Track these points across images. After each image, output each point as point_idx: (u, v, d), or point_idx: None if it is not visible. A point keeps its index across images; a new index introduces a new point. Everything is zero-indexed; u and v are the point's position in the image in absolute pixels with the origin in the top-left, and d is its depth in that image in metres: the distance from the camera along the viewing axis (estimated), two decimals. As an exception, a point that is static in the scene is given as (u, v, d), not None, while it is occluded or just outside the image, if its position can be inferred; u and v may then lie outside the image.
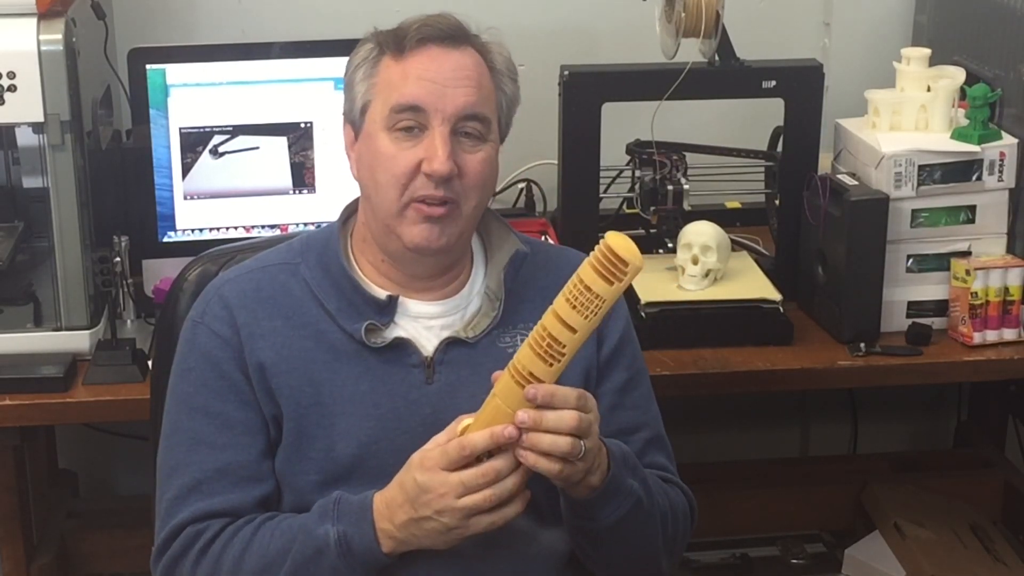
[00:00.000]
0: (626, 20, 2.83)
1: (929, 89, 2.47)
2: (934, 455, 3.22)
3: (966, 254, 2.45)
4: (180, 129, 2.48)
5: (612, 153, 2.55)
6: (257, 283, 1.76)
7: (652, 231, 2.57)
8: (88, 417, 2.44)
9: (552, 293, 1.55)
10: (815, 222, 2.45)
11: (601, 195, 2.55)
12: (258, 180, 2.53)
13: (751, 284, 2.46)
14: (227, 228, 2.53)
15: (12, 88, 2.20)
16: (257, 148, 2.51)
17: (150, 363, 2.14)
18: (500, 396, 1.56)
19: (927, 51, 2.50)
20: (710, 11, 2.40)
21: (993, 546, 2.83)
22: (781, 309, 2.41)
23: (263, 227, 2.55)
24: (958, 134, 2.43)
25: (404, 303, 1.75)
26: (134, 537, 2.64)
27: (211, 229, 2.53)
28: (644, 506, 1.69)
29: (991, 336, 2.41)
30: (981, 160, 2.42)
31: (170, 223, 2.51)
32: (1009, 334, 2.42)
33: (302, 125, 2.52)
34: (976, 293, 2.39)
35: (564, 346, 1.53)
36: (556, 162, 2.55)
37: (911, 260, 2.45)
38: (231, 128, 2.50)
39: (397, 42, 1.70)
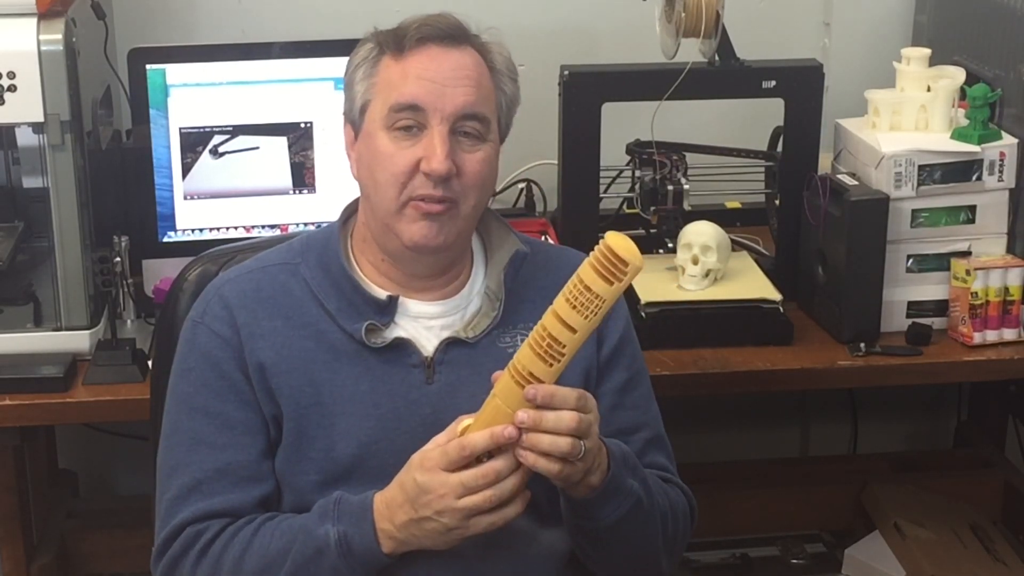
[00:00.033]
0: (626, 20, 2.83)
1: (929, 89, 2.47)
2: (934, 455, 3.23)
3: (966, 254, 2.45)
4: (180, 129, 2.48)
5: (612, 153, 2.55)
6: (257, 283, 1.76)
7: (652, 231, 2.57)
8: (88, 417, 2.45)
9: (552, 293, 1.55)
10: (815, 222, 2.45)
11: (601, 195, 2.55)
12: (258, 180, 2.53)
13: (751, 284, 2.46)
14: (227, 228, 2.53)
15: (12, 88, 2.20)
16: (257, 148, 2.51)
17: (150, 363, 2.14)
18: (500, 396, 1.56)
19: (927, 51, 2.50)
20: (710, 11, 2.40)
21: (993, 546, 2.83)
22: (781, 309, 2.41)
23: (263, 227, 2.55)
24: (958, 134, 2.43)
25: (404, 303, 1.75)
26: (134, 537, 2.64)
27: (211, 229, 2.53)
28: (644, 506, 1.69)
29: (991, 336, 2.41)
30: (981, 160, 2.42)
31: (170, 223, 2.51)
32: (1009, 334, 2.42)
33: (302, 125, 2.52)
34: (976, 293, 2.39)
35: (564, 346, 1.53)
36: (556, 162, 2.55)
37: (911, 260, 2.45)
38: (231, 128, 2.50)
39: (397, 42, 1.70)
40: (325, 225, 1.83)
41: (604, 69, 2.51)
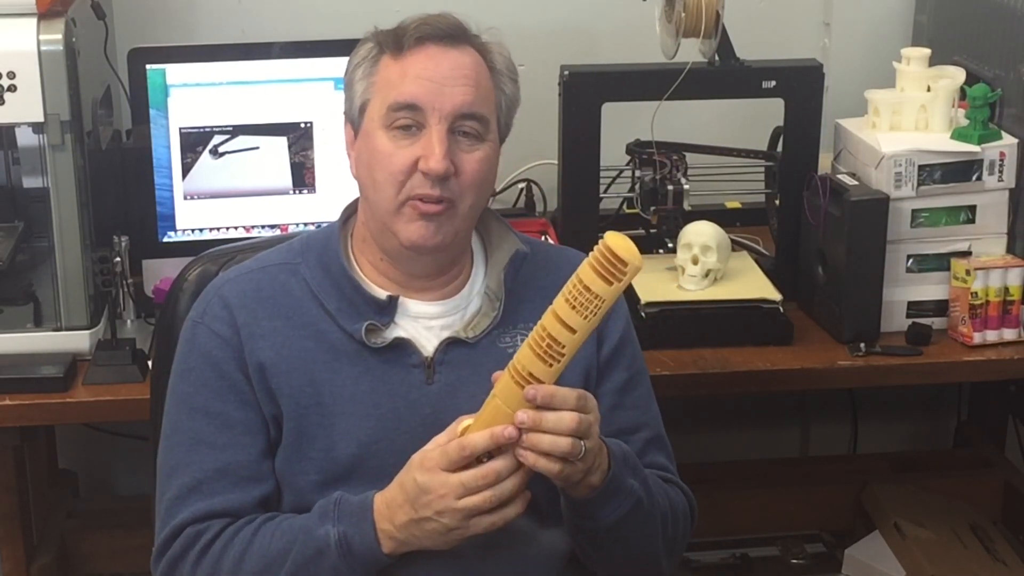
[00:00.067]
0: (626, 20, 2.83)
1: (929, 89, 2.47)
2: (934, 455, 3.22)
3: (966, 254, 2.45)
4: (180, 129, 2.48)
5: (612, 153, 2.55)
6: (257, 283, 1.76)
7: (652, 231, 2.57)
8: (88, 417, 2.45)
9: (552, 293, 1.55)
10: (815, 222, 2.45)
11: (601, 195, 2.55)
12: (258, 180, 2.53)
13: (751, 284, 2.46)
14: (227, 228, 2.53)
15: (12, 88, 2.20)
16: (257, 148, 2.52)
17: (150, 363, 2.14)
18: (500, 396, 1.56)
19: (927, 51, 2.50)
20: (710, 11, 2.40)
21: (993, 546, 2.83)
22: (781, 309, 2.41)
23: (263, 227, 2.55)
24: (958, 134, 2.43)
25: (404, 303, 1.75)
26: (134, 537, 2.64)
27: (211, 229, 2.53)
28: (644, 506, 1.69)
29: (991, 336, 2.41)
30: (981, 160, 2.42)
31: (170, 223, 2.51)
32: (1009, 334, 2.42)
33: (302, 125, 2.52)
34: (976, 293, 2.39)
35: (564, 346, 1.53)
36: (556, 162, 2.55)
37: (911, 260, 2.45)
38: (231, 128, 2.50)
39: (396, 41, 1.70)
40: (325, 225, 1.83)
41: (604, 69, 2.51)
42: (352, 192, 1.80)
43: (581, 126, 2.46)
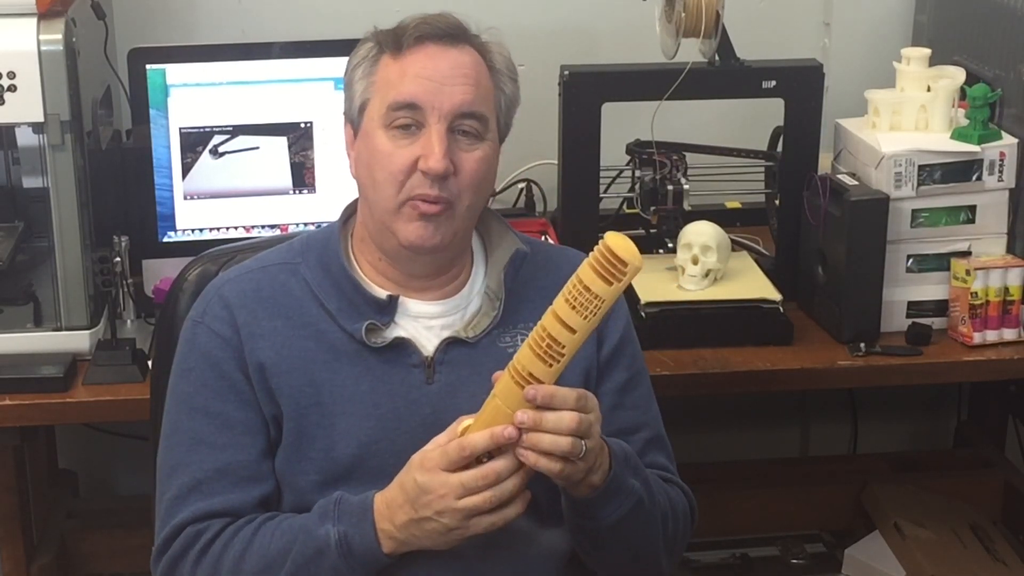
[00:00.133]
0: (626, 20, 2.83)
1: (929, 89, 2.47)
2: (934, 455, 3.22)
3: (966, 254, 2.45)
4: (180, 129, 2.48)
5: (612, 153, 2.55)
6: (257, 283, 1.76)
7: (652, 231, 2.57)
8: (88, 417, 2.45)
9: (552, 293, 1.55)
10: (815, 222, 2.45)
11: (601, 195, 2.55)
12: (258, 180, 2.53)
13: (751, 284, 2.46)
14: (227, 228, 2.54)
15: (12, 88, 2.20)
16: (257, 148, 2.52)
17: (150, 363, 2.14)
18: (500, 396, 1.56)
19: (927, 51, 2.50)
20: (710, 11, 2.40)
21: (993, 546, 2.83)
22: (781, 309, 2.41)
23: (263, 227, 2.55)
24: (958, 134, 2.43)
25: (404, 303, 1.75)
26: (134, 537, 2.64)
27: (211, 229, 2.53)
28: (645, 506, 1.69)
29: (991, 336, 2.41)
30: (981, 160, 2.42)
31: (170, 223, 2.51)
32: (1009, 334, 2.42)
33: (302, 125, 2.52)
34: (976, 293, 2.39)
35: (563, 347, 1.53)
36: (556, 162, 2.55)
37: (911, 260, 2.45)
38: (231, 128, 2.50)
39: (396, 41, 1.70)
40: (325, 225, 1.83)
41: (604, 69, 2.51)
42: (352, 192, 1.80)
43: (581, 126, 2.46)
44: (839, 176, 2.45)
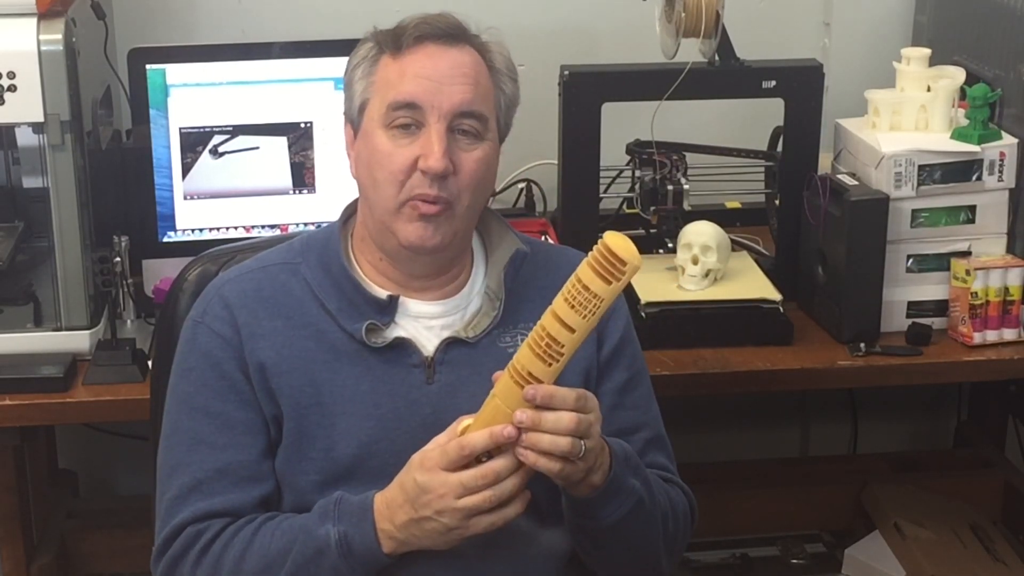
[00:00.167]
0: (626, 20, 2.83)
1: (929, 89, 2.47)
2: (934, 455, 3.22)
3: (966, 254, 2.45)
4: (180, 129, 2.48)
5: (612, 153, 2.55)
6: (258, 283, 1.76)
7: (652, 231, 2.58)
8: (88, 417, 2.45)
9: (552, 293, 1.55)
10: (815, 222, 2.45)
11: (601, 195, 2.55)
12: (258, 180, 2.53)
13: (751, 284, 2.46)
14: (227, 228, 2.54)
15: (12, 88, 2.20)
16: (257, 148, 2.52)
17: (150, 363, 2.14)
18: (500, 396, 1.56)
19: (927, 51, 2.50)
20: (710, 11, 2.40)
21: (993, 546, 2.83)
22: (781, 309, 2.41)
23: (263, 227, 2.55)
24: (958, 134, 2.43)
25: (404, 303, 1.75)
26: (134, 537, 2.64)
27: (211, 229, 2.53)
28: (645, 506, 1.69)
29: (991, 336, 2.41)
30: (981, 160, 2.42)
31: (170, 223, 2.51)
32: (1009, 334, 2.42)
33: (302, 125, 2.52)
34: (976, 293, 2.39)
35: (563, 346, 1.53)
36: (556, 162, 2.55)
37: (911, 260, 2.45)
38: (231, 128, 2.50)
39: (395, 40, 1.70)
40: (325, 225, 1.83)
41: (604, 69, 2.51)
42: (352, 192, 1.80)
43: (581, 126, 2.46)
44: (839, 176, 2.45)
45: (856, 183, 2.42)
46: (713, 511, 2.44)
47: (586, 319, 1.52)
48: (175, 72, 2.47)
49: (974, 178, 2.43)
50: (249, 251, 1.90)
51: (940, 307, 2.46)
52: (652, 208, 2.52)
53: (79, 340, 2.32)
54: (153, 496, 1.76)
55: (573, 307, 1.52)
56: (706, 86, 2.49)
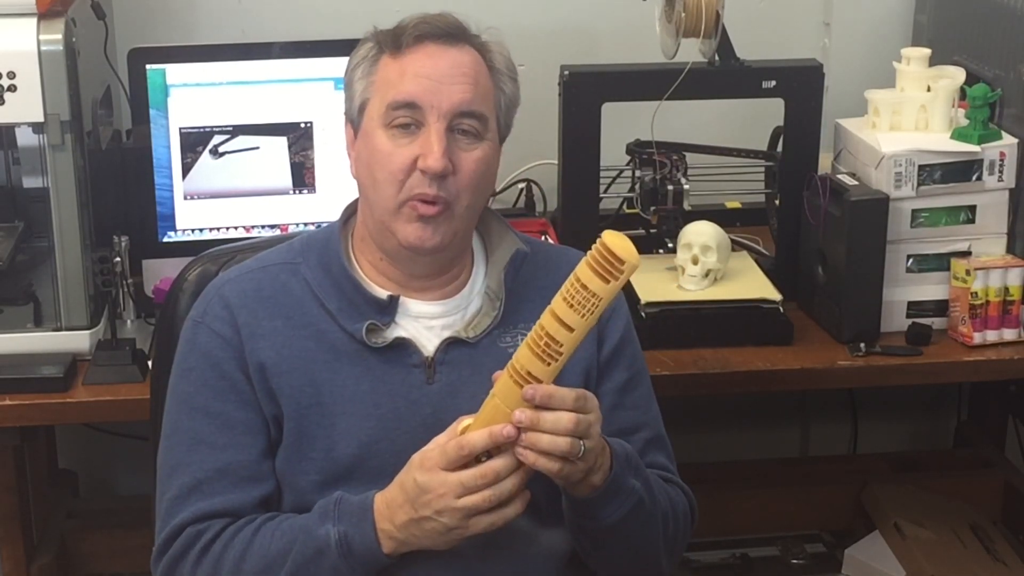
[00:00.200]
0: (626, 20, 2.83)
1: (929, 89, 2.47)
2: (934, 455, 3.22)
3: (966, 254, 2.45)
4: (180, 129, 2.48)
5: (612, 153, 2.55)
6: (258, 283, 1.76)
7: (652, 231, 2.58)
8: (88, 417, 2.45)
9: (552, 293, 1.55)
10: (815, 222, 2.45)
11: (601, 195, 2.55)
12: (258, 180, 2.53)
13: (751, 284, 2.46)
14: (227, 228, 2.54)
15: (12, 88, 2.20)
16: (257, 148, 2.52)
17: (150, 363, 2.14)
18: (499, 396, 1.56)
19: (927, 51, 2.50)
20: (710, 11, 2.40)
21: (993, 546, 2.83)
22: (781, 309, 2.41)
23: (263, 227, 2.55)
24: (958, 134, 2.43)
25: (405, 303, 1.75)
26: (134, 537, 2.64)
27: (211, 229, 2.53)
28: (646, 506, 1.69)
29: (991, 336, 2.41)
30: (981, 160, 2.42)
31: (170, 223, 2.51)
32: (1009, 334, 2.42)
33: (302, 125, 2.52)
34: (976, 293, 2.39)
35: (562, 345, 1.53)
36: (556, 162, 2.55)
37: (911, 260, 2.45)
38: (231, 128, 2.50)
39: (395, 40, 1.70)
40: (325, 225, 1.83)
41: (604, 69, 2.51)
42: (352, 192, 1.80)
43: (581, 126, 2.46)
44: (839, 176, 2.45)
45: (856, 183, 2.42)
46: (713, 511, 2.44)
47: (585, 318, 1.52)
48: (175, 72, 2.47)
49: (974, 178, 2.43)
50: (249, 251, 1.90)
51: (940, 307, 2.46)
52: (652, 208, 2.52)
53: (79, 340, 2.32)
54: (153, 496, 1.76)
55: (572, 306, 1.52)
56: (706, 86, 2.49)
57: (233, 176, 2.52)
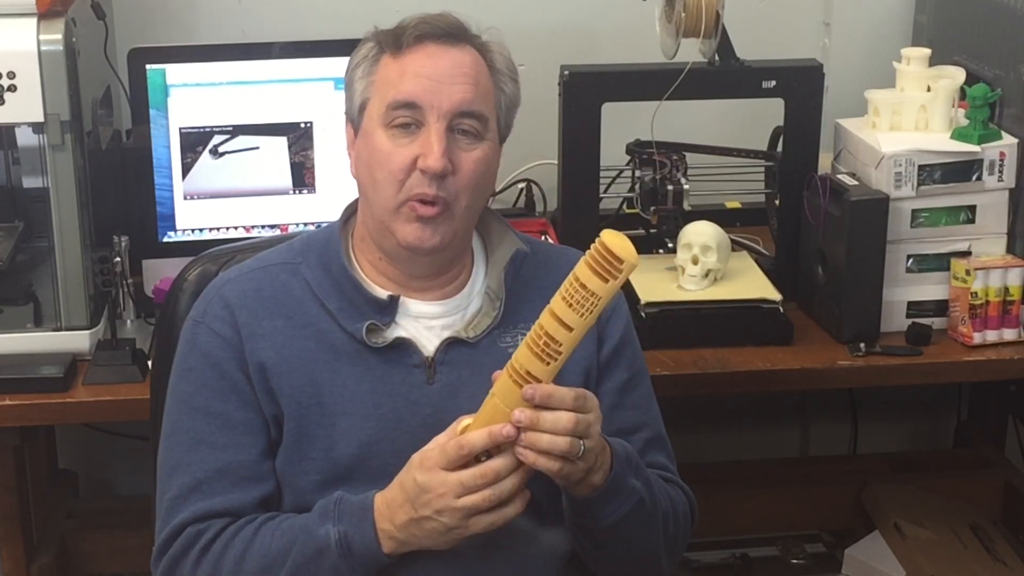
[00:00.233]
0: (626, 20, 2.83)
1: (929, 89, 2.47)
2: (934, 455, 3.22)
3: (966, 254, 2.45)
4: (180, 129, 2.48)
5: (612, 153, 2.55)
6: (258, 283, 1.76)
7: (652, 231, 2.58)
8: (88, 417, 2.45)
9: (552, 292, 1.55)
10: (815, 222, 2.45)
11: (601, 195, 2.55)
12: (258, 180, 2.53)
13: (751, 284, 2.46)
14: (227, 228, 2.54)
15: (12, 88, 2.20)
16: (257, 148, 2.52)
17: (150, 363, 2.14)
18: (499, 396, 1.56)
19: (927, 51, 2.50)
20: (710, 11, 2.40)
21: (993, 546, 2.83)
22: (781, 309, 2.41)
23: (263, 227, 2.55)
24: (958, 134, 2.43)
25: (405, 303, 1.75)
26: (134, 537, 2.64)
27: (211, 229, 2.53)
28: (646, 506, 1.69)
29: (991, 336, 2.41)
30: (981, 160, 2.42)
31: (170, 223, 2.51)
32: (1009, 334, 2.42)
33: (302, 125, 2.52)
34: (976, 293, 2.39)
35: (561, 345, 1.53)
36: (556, 162, 2.55)
37: (911, 260, 2.45)
38: (231, 128, 2.50)
39: (396, 40, 1.70)
40: (325, 225, 1.83)
41: (604, 69, 2.51)
42: (352, 192, 1.80)
43: (581, 126, 2.46)
44: (839, 176, 2.45)
45: (856, 183, 2.42)
46: (713, 511, 2.44)
47: (584, 318, 1.52)
48: (175, 72, 2.47)
49: (974, 178, 2.43)
50: (249, 251, 1.90)
51: (940, 307, 2.46)
52: (652, 208, 2.52)
53: (79, 340, 2.32)
54: (153, 496, 1.76)
55: (571, 306, 1.52)
56: (706, 86, 2.49)
57: (233, 176, 2.52)
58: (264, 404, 1.71)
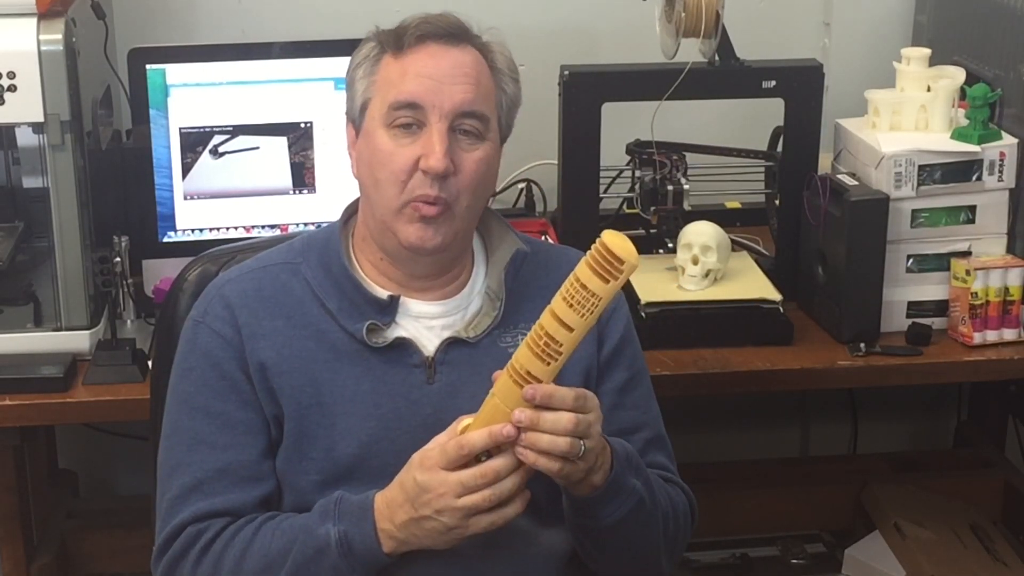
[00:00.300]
0: (626, 20, 2.83)
1: (929, 89, 2.47)
2: (934, 455, 3.23)
3: (966, 254, 2.45)
4: (180, 129, 2.48)
5: (612, 153, 2.55)
6: (258, 283, 1.76)
7: (652, 231, 2.58)
8: (88, 417, 2.44)
9: (553, 293, 1.55)
10: (815, 222, 2.45)
11: (601, 195, 2.55)
12: (258, 180, 2.53)
13: (751, 284, 2.46)
14: (227, 228, 2.54)
15: (12, 88, 2.20)
16: (257, 148, 2.52)
17: (150, 363, 2.14)
18: (499, 396, 1.56)
19: (927, 51, 2.50)
20: (710, 11, 2.40)
21: (993, 546, 2.83)
22: (781, 309, 2.41)
23: (263, 227, 2.55)
24: (958, 134, 2.43)
25: (405, 303, 1.75)
26: (134, 537, 2.64)
27: (211, 229, 2.53)
28: (646, 506, 1.69)
29: (991, 336, 2.41)
30: (981, 160, 2.42)
31: (170, 223, 2.51)
32: (1009, 334, 2.42)
33: (302, 125, 2.52)
34: (976, 293, 2.39)
35: (561, 345, 1.53)
36: (556, 162, 2.55)
37: (911, 260, 2.45)
38: (231, 128, 2.50)
39: (397, 40, 1.70)
40: (326, 225, 1.83)
41: (604, 69, 2.51)
42: (352, 192, 1.80)
43: (581, 126, 2.46)
44: (839, 176, 2.45)
45: (856, 183, 2.42)
46: (713, 511, 2.44)
47: (584, 318, 1.52)
48: (175, 72, 2.47)
49: (974, 178, 2.43)
50: (249, 251, 1.90)
51: (940, 307, 2.46)
52: (652, 208, 2.52)
53: (79, 340, 2.32)
54: (153, 496, 1.76)
55: (571, 306, 1.52)
56: (706, 86, 2.49)
57: (233, 176, 2.52)
58: (264, 404, 1.71)
